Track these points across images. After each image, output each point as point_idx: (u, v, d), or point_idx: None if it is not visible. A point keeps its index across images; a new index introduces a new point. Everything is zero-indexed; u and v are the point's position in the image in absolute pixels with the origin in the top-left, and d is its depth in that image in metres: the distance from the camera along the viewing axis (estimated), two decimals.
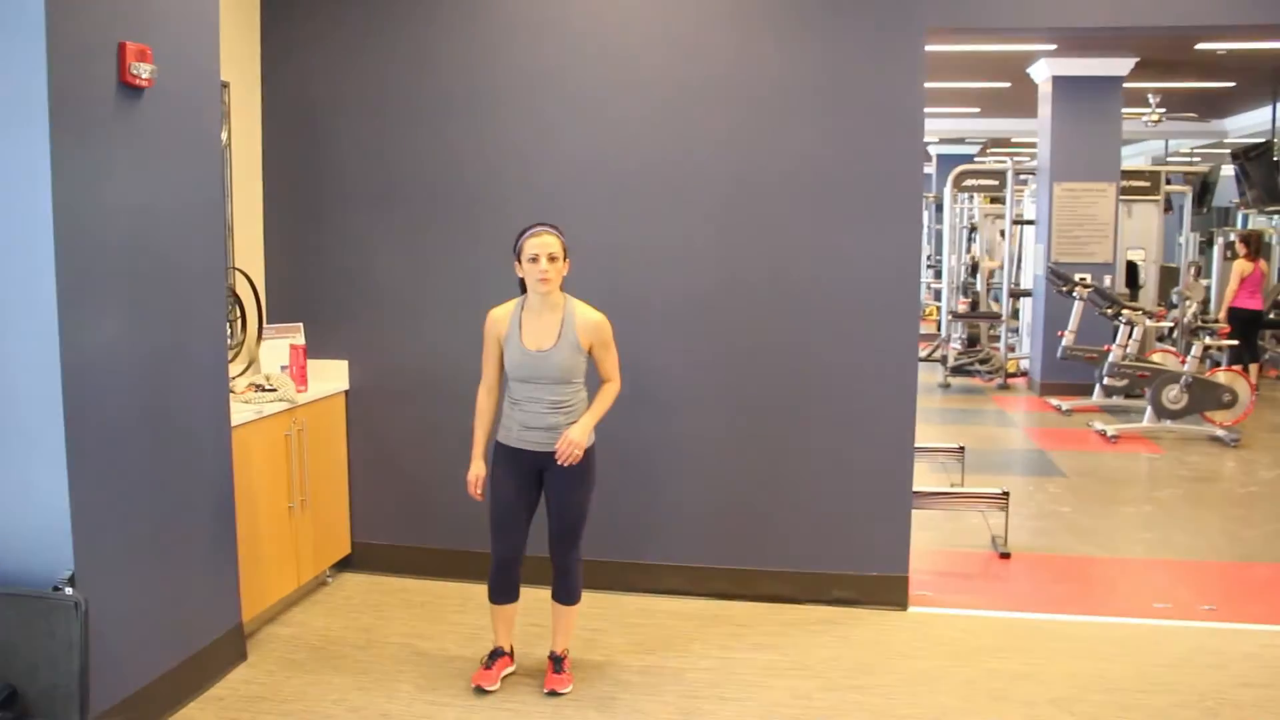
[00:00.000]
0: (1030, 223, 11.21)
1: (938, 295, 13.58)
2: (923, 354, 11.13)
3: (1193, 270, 10.97)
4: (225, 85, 4.24)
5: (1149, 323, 9.08)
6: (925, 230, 13.89)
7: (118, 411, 3.18)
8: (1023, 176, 11.93)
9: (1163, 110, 12.24)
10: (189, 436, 3.55)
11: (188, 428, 3.54)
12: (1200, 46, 9.36)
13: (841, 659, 3.95)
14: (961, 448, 6.38)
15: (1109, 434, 8.24)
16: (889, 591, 4.44)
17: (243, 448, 3.87)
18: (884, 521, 4.44)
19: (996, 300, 12.65)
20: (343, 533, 4.78)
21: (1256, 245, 10.30)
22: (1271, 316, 11.07)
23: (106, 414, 3.13)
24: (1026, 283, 11.53)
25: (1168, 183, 11.51)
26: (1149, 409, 8.42)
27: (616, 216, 4.48)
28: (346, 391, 4.74)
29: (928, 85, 4.34)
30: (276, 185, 4.71)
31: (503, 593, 3.70)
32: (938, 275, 14.46)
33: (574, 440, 3.47)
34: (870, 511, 4.44)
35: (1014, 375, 11.12)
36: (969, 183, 13.04)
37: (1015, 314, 11.82)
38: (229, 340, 4.17)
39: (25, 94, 2.84)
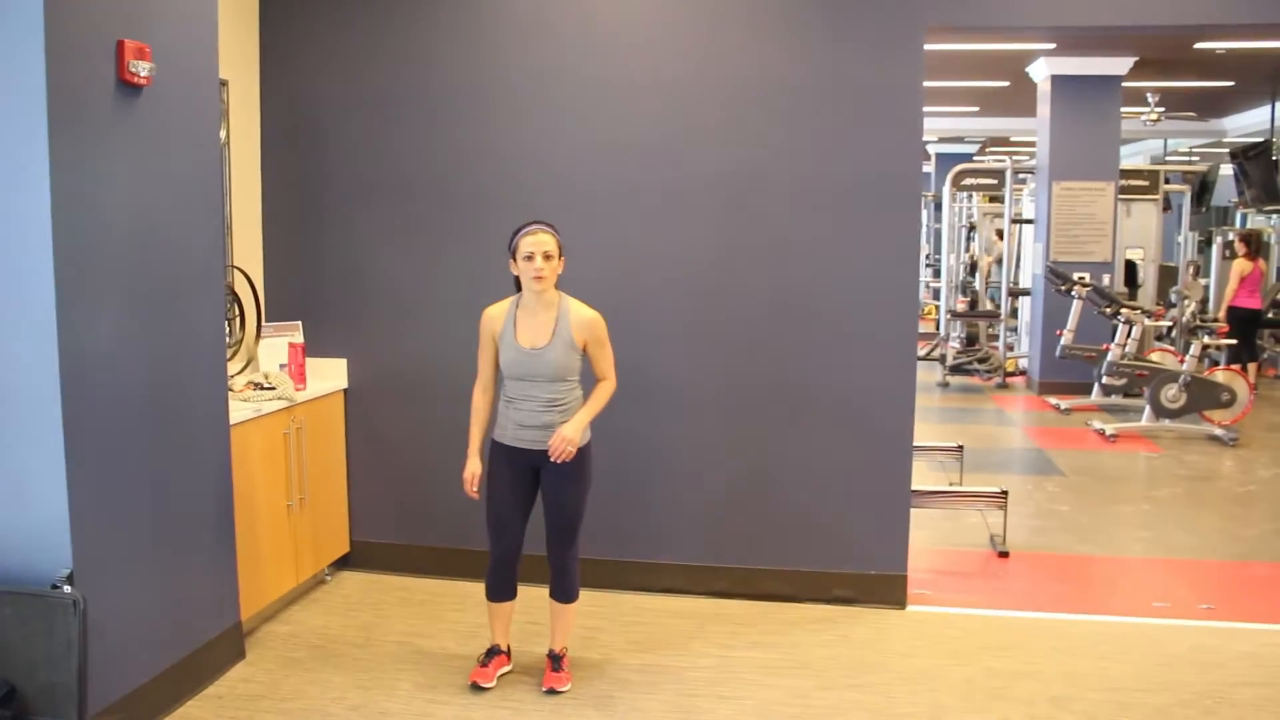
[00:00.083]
0: (1029, 222, 11.21)
1: (936, 294, 13.59)
2: (921, 353, 11.13)
3: (1191, 269, 10.98)
4: (224, 83, 4.24)
5: (1148, 322, 9.09)
6: (924, 229, 13.92)
7: (116, 410, 3.18)
8: (1021, 175, 11.93)
9: (1161, 109, 12.24)
10: (188, 435, 3.55)
11: (186, 426, 3.54)
12: (1199, 46, 9.36)
13: (840, 658, 3.96)
14: (960, 446, 6.38)
15: (1108, 433, 8.24)
16: (887, 590, 4.44)
17: (241, 446, 3.87)
18: (883, 520, 4.44)
19: (993, 299, 12.66)
20: (341, 531, 4.78)
21: (1256, 244, 10.31)
22: (1270, 316, 11.09)
23: (105, 412, 3.13)
24: (1025, 282, 11.54)
25: (1166, 182, 11.51)
26: (1148, 408, 8.43)
27: (615, 215, 4.48)
28: (345, 390, 4.74)
29: (927, 84, 4.34)
30: (275, 183, 4.71)
31: (500, 591, 3.70)
32: (936, 274, 14.47)
33: (567, 437, 3.47)
34: (869, 510, 4.45)
35: (1012, 374, 11.13)
36: (968, 182, 13.05)
37: (1014, 313, 11.82)
38: (227, 338, 4.17)
39: (24, 92, 2.84)
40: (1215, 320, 9.76)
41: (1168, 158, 17.40)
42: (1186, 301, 9.79)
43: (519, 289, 3.56)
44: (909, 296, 4.42)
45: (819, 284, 4.39)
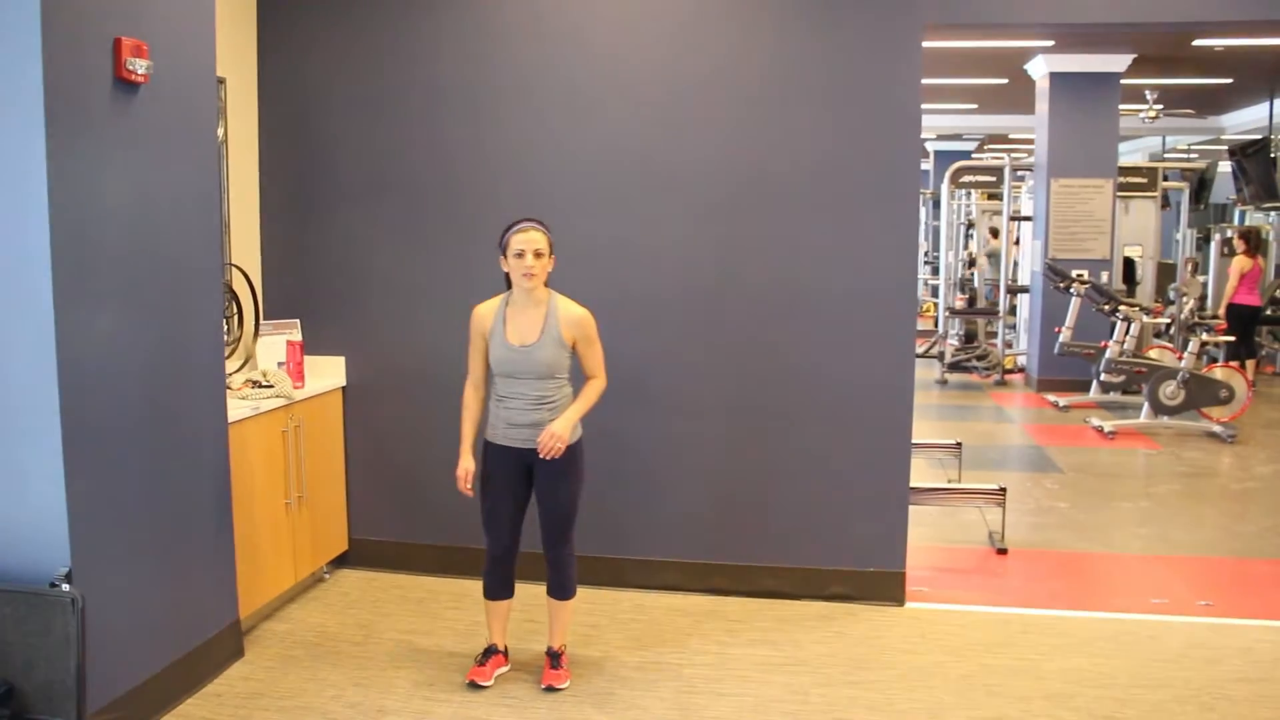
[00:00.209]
0: (1027, 219, 11.21)
1: (935, 291, 13.58)
2: (920, 350, 11.14)
3: (1190, 266, 10.98)
4: (221, 81, 4.23)
5: (1146, 319, 9.09)
6: (922, 226, 13.92)
7: (114, 408, 3.18)
8: (1020, 173, 11.93)
9: (1160, 106, 12.23)
10: (186, 433, 3.55)
11: (185, 424, 3.54)
12: (1198, 43, 9.36)
13: (838, 654, 3.96)
14: (958, 444, 6.39)
15: (1106, 430, 8.25)
16: (886, 587, 4.45)
17: (240, 444, 3.87)
18: (881, 517, 4.44)
19: (986, 297, 12.66)
20: (340, 529, 4.78)
21: (1255, 242, 10.31)
22: (1269, 313, 11.10)
23: (103, 411, 3.13)
24: (1024, 279, 11.54)
25: (1165, 179, 11.50)
26: (1146, 405, 8.43)
27: (613, 213, 4.48)
28: (344, 388, 4.74)
29: (925, 81, 4.34)
30: (273, 181, 4.71)
31: (497, 589, 3.71)
32: (935, 272, 14.47)
33: (556, 433, 3.47)
34: (867, 507, 4.45)
35: (1011, 371, 11.13)
36: (966, 179, 13.04)
37: (1012, 310, 11.82)
38: (226, 336, 4.17)
39: (20, 89, 2.84)
40: (1214, 317, 9.77)
41: (1166, 155, 17.41)
42: (1185, 299, 9.79)
43: (509, 286, 3.56)
44: (907, 293, 4.42)
45: (817, 281, 4.39)
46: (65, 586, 2.90)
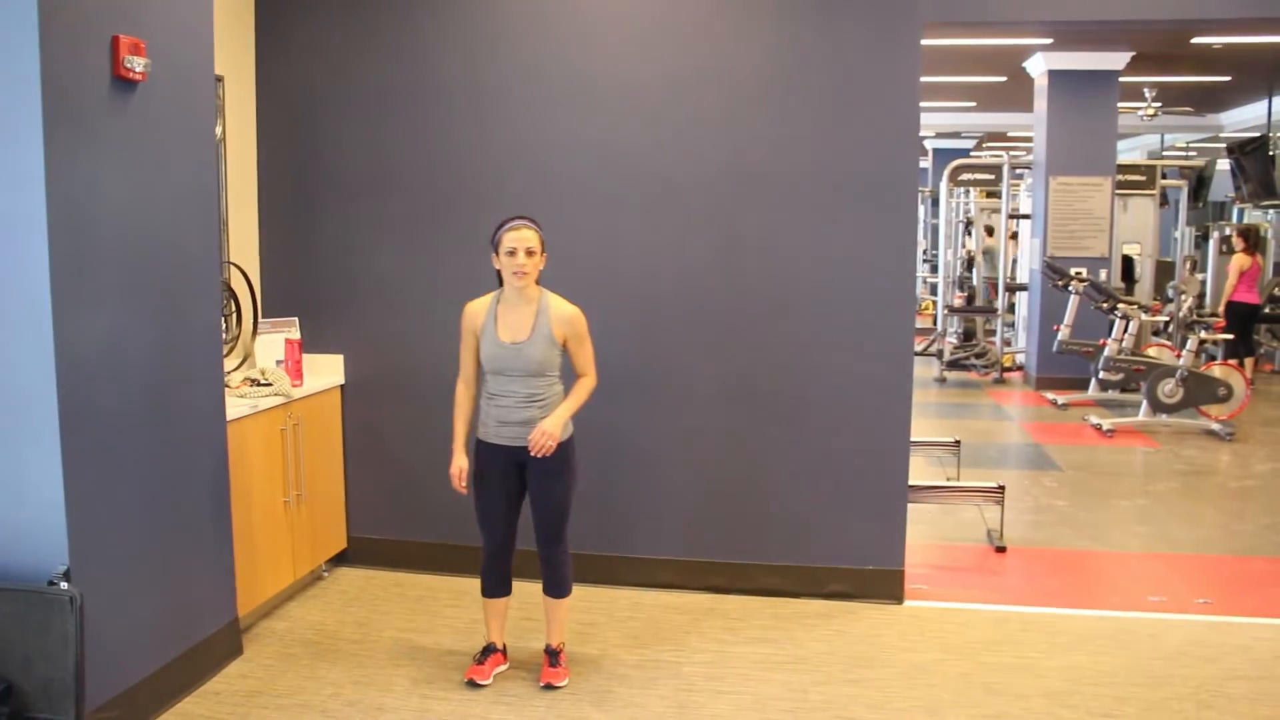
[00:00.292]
0: (1026, 217, 11.22)
1: (933, 290, 13.58)
2: (918, 348, 11.14)
3: (1188, 265, 10.98)
4: (219, 79, 4.23)
5: (1144, 317, 9.10)
6: (921, 224, 13.92)
7: (113, 406, 3.18)
8: (1019, 170, 11.93)
9: (1158, 104, 12.24)
10: (185, 431, 3.54)
11: (183, 422, 3.54)
12: (1196, 41, 9.36)
13: (837, 652, 3.96)
14: (957, 441, 6.39)
15: (1104, 428, 8.25)
16: (884, 585, 4.45)
17: (238, 442, 3.87)
18: (880, 515, 4.44)
19: (984, 297, 12.65)
20: (338, 527, 4.78)
21: (1255, 240, 10.32)
22: (1268, 311, 11.10)
23: (102, 409, 3.12)
24: (1022, 277, 11.54)
25: (1163, 177, 11.51)
26: (1144, 403, 8.44)
27: (613, 211, 4.47)
28: (342, 386, 4.74)
29: (924, 79, 4.34)
30: (271, 179, 4.70)
31: (494, 586, 3.71)
32: (934, 270, 14.47)
33: (547, 431, 3.47)
34: (866, 505, 4.45)
35: (1010, 369, 11.14)
36: (965, 177, 13.04)
37: (1011, 308, 11.83)
38: (224, 335, 4.17)
39: (18, 88, 2.83)
40: (1212, 315, 9.77)
41: (1165, 153, 17.41)
42: (1183, 296, 9.79)
43: (501, 284, 3.57)
44: (906, 291, 4.42)
45: (816, 279, 4.39)
46: (64, 584, 2.89)
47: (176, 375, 3.50)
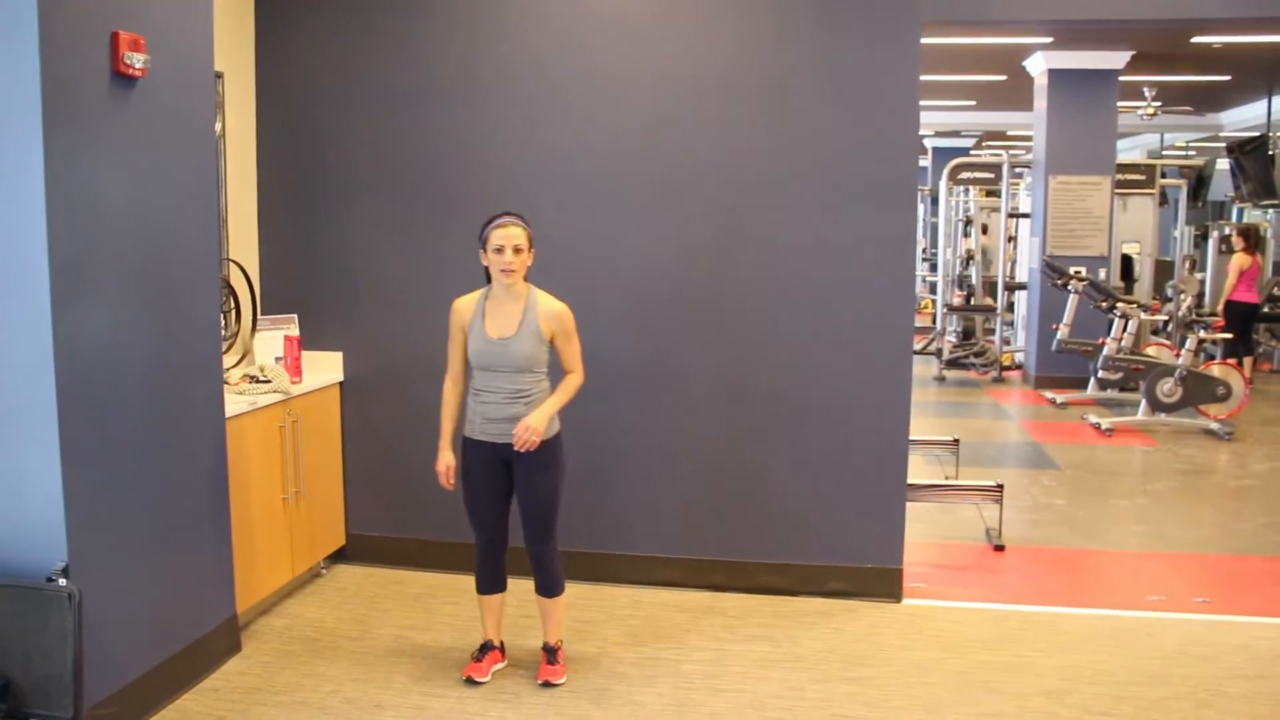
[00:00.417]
0: (1025, 216, 11.22)
1: (933, 288, 13.57)
2: (917, 347, 11.13)
3: (1187, 264, 10.99)
4: (219, 75, 4.23)
5: (1144, 316, 9.10)
6: (920, 223, 13.91)
7: (112, 403, 3.18)
8: (1018, 170, 11.93)
9: (1158, 104, 12.24)
10: (183, 428, 3.54)
11: (182, 419, 3.53)
12: (1196, 40, 9.36)
13: (835, 651, 3.96)
14: (956, 440, 6.38)
15: (1103, 427, 8.25)
16: (883, 584, 4.45)
17: (237, 439, 3.87)
18: (878, 514, 4.44)
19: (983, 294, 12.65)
20: (337, 524, 4.78)
21: (1255, 239, 10.32)
22: (1267, 310, 11.10)
23: (101, 406, 3.12)
24: (1021, 276, 11.54)
25: (1163, 176, 11.51)
26: (1143, 402, 8.44)
27: (612, 210, 4.47)
28: (341, 383, 4.74)
29: (923, 78, 4.34)
30: (271, 176, 4.70)
31: (487, 583, 3.71)
32: (933, 268, 14.47)
33: (530, 425, 3.45)
34: (865, 504, 4.45)
35: (1009, 368, 11.14)
36: (964, 176, 13.04)
37: (1010, 307, 11.82)
38: (223, 332, 4.16)
39: (17, 84, 2.83)
40: (1211, 314, 9.78)
41: (1164, 152, 17.41)
42: (1182, 296, 9.80)
43: (489, 280, 3.57)
44: (905, 290, 4.42)
45: (815, 278, 4.39)
46: (62, 581, 2.89)
47: (176, 371, 3.50)
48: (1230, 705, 3.52)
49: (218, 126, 4.18)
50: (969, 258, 12.71)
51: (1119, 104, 10.31)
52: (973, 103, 14.26)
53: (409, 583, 4.62)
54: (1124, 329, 8.79)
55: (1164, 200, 11.84)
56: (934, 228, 14.71)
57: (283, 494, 4.26)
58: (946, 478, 6.26)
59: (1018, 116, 14.40)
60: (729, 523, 4.55)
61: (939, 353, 11.18)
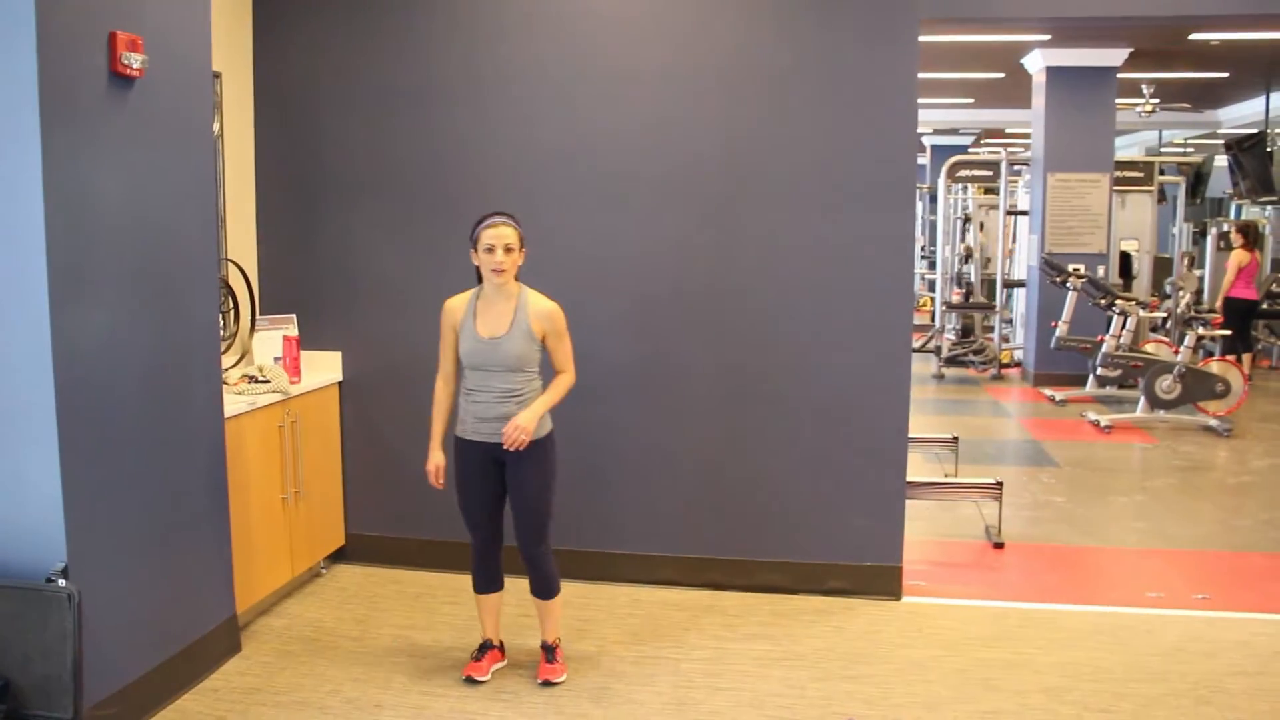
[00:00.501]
0: (1024, 213, 11.22)
1: (932, 286, 13.57)
2: (917, 345, 11.14)
3: (1186, 261, 10.99)
4: (217, 76, 4.22)
5: (1142, 313, 9.10)
6: (919, 221, 13.91)
7: (111, 404, 3.18)
8: (1017, 167, 11.93)
9: (1156, 101, 12.24)
10: (182, 428, 3.54)
11: (181, 419, 3.53)
12: (1194, 37, 9.36)
13: (835, 649, 3.96)
14: (955, 438, 6.39)
15: (1102, 424, 8.26)
16: (882, 581, 4.45)
17: (236, 439, 3.87)
18: (878, 512, 4.44)
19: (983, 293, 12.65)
20: (337, 524, 4.78)
21: (1253, 236, 10.32)
22: (1266, 307, 11.10)
23: (99, 406, 3.12)
24: (1019, 273, 11.54)
25: (1161, 173, 11.51)
26: (1142, 399, 8.44)
27: (611, 209, 4.47)
28: (340, 383, 4.74)
29: (921, 76, 4.34)
30: (269, 176, 4.70)
31: (484, 582, 3.71)
32: (932, 266, 14.47)
33: (520, 424, 3.45)
34: (864, 502, 4.45)
35: (1008, 366, 11.14)
36: (963, 173, 13.04)
37: (1009, 304, 11.82)
38: (222, 332, 4.16)
39: (15, 84, 2.83)
40: (1210, 311, 9.78)
41: (1163, 149, 17.41)
42: (1181, 293, 9.80)
43: (480, 280, 3.57)
44: (903, 288, 4.42)
45: (813, 276, 4.39)
46: (62, 582, 2.89)
47: (174, 372, 3.50)
48: (1230, 702, 3.52)
49: (216, 126, 4.18)
50: (968, 255, 12.72)
51: (1117, 101, 10.30)
52: (971, 100, 14.26)
53: (408, 582, 4.63)
54: (1123, 326, 8.79)
55: (1162, 197, 11.84)
56: (932, 225, 14.71)
57: (282, 494, 4.26)
58: (946, 475, 6.27)
59: (1016, 114, 14.42)
60: (728, 521, 4.55)
61: (938, 350, 11.18)
